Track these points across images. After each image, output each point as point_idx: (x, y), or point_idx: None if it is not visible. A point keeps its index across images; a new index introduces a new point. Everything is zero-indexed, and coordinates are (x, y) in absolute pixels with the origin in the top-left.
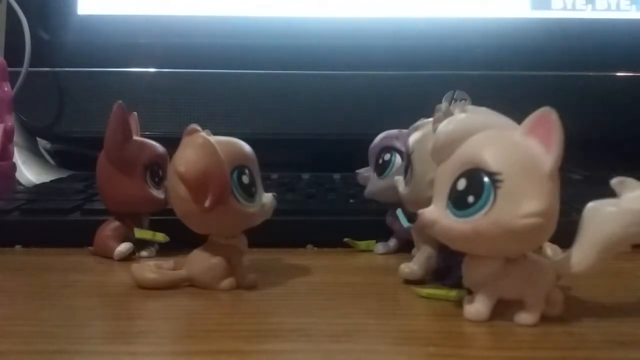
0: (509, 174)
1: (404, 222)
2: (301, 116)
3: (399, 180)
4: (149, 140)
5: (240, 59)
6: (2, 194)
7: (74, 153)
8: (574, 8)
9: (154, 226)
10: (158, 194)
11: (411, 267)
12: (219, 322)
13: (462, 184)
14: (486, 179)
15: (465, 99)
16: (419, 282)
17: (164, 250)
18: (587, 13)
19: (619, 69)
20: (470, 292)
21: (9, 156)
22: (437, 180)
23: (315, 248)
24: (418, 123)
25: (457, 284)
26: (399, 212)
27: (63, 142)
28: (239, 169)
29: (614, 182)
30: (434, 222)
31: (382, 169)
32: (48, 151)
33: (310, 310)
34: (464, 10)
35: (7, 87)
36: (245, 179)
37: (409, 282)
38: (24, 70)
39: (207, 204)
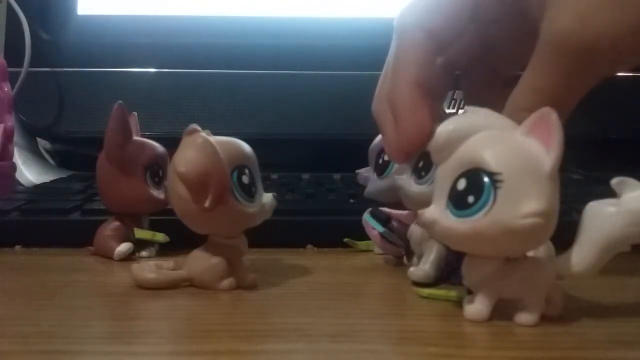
0: (509, 174)
1: (379, 227)
2: (301, 116)
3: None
4: (149, 140)
5: (240, 59)
6: (2, 194)
7: (74, 153)
8: None
9: (154, 226)
10: (158, 194)
11: (424, 269)
12: (219, 322)
13: (462, 184)
14: (486, 179)
15: None
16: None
17: (164, 250)
18: None
19: None
20: (470, 292)
21: (9, 156)
22: (437, 180)
23: (315, 248)
24: None
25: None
26: (368, 216)
27: (63, 142)
28: (239, 169)
29: (614, 182)
30: (434, 222)
31: (382, 169)
32: (48, 151)
33: (310, 310)
34: None
35: (7, 87)
36: (245, 179)
37: (408, 282)
38: (24, 70)
39: (207, 204)
